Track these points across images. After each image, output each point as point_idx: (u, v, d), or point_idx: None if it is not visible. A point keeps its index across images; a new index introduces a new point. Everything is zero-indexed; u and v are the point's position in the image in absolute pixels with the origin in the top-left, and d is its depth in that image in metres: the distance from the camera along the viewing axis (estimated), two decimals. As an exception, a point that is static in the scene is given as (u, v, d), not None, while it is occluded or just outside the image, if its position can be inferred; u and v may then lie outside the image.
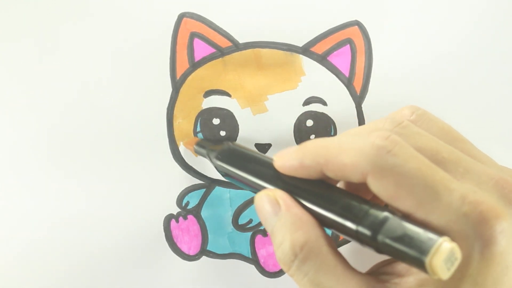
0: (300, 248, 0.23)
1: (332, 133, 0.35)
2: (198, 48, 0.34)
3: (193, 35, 0.34)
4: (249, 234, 0.36)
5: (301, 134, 0.35)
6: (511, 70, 0.35)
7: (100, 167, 0.35)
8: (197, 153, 0.34)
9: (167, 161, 0.35)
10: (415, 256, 0.20)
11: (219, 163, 0.30)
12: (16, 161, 0.35)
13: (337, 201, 0.23)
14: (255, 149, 0.34)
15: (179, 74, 0.34)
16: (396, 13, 0.34)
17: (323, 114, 0.35)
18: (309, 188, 0.25)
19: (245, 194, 0.35)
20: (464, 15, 0.34)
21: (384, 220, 0.21)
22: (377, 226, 0.21)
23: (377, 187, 0.22)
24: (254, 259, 0.36)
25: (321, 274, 0.22)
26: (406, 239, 0.20)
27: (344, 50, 0.34)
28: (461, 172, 0.22)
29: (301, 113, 0.34)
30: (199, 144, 0.33)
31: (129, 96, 0.34)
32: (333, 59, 0.34)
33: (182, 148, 0.34)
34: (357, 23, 0.34)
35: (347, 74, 0.34)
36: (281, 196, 0.25)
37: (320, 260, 0.23)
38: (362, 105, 0.35)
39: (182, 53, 0.34)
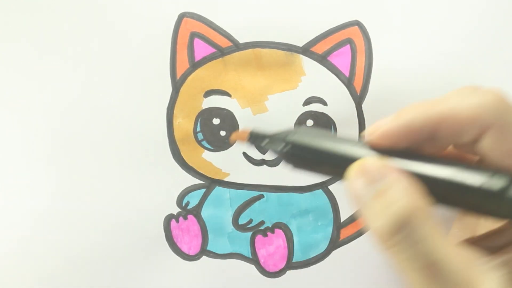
0: (411, 212, 0.20)
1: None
2: (198, 48, 0.34)
3: (193, 35, 0.34)
4: (249, 234, 0.36)
5: (301, 134, 0.35)
6: (511, 69, 0.35)
7: (100, 167, 0.35)
8: (255, 146, 0.27)
9: (167, 161, 0.35)
10: None
11: (296, 141, 0.24)
12: (16, 161, 0.35)
13: (451, 162, 0.21)
14: None
15: (179, 74, 0.34)
16: (396, 13, 0.34)
17: (323, 114, 0.35)
18: (414, 153, 0.22)
19: (245, 194, 0.35)
20: (464, 15, 0.34)
21: None
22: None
23: (495, 143, 0.20)
24: (254, 259, 0.36)
25: (434, 245, 0.20)
26: None
27: (344, 50, 0.34)
28: None
29: (301, 113, 0.34)
30: (253, 135, 0.26)
31: (129, 96, 0.34)
32: (333, 59, 0.34)
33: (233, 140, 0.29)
34: (357, 23, 0.34)
35: (347, 74, 0.34)
36: (385, 161, 0.22)
37: (433, 229, 0.20)
38: (362, 105, 0.35)
39: (182, 53, 0.34)
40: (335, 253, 0.36)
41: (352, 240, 0.36)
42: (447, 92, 0.34)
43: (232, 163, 0.35)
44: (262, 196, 0.35)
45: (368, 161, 0.22)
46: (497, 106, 0.20)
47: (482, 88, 0.21)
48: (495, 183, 0.19)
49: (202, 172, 0.35)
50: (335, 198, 0.35)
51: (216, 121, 0.35)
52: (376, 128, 0.23)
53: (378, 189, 0.21)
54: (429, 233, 0.20)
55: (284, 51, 0.34)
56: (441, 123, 0.21)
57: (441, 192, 0.21)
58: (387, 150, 0.22)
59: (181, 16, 0.34)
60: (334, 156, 0.23)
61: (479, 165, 0.21)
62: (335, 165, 0.23)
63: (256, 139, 0.26)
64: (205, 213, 0.36)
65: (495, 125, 0.20)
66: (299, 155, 0.24)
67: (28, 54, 0.34)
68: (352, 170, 0.22)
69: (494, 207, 0.20)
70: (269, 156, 0.35)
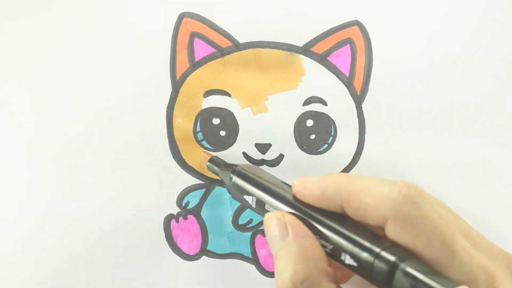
0: (300, 282, 0.22)
1: (332, 133, 0.35)
2: (198, 48, 0.34)
3: (193, 35, 0.34)
4: (249, 234, 0.36)
5: (301, 134, 0.35)
6: (511, 69, 0.35)
7: (100, 167, 0.35)
8: (209, 169, 0.33)
9: (167, 161, 0.35)
10: None
11: (235, 178, 0.30)
12: (16, 161, 0.35)
13: (354, 232, 0.23)
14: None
15: (179, 74, 0.34)
16: (396, 13, 0.34)
17: (323, 114, 0.35)
18: (325, 217, 0.24)
19: (245, 194, 0.36)
20: (464, 15, 0.34)
21: (405, 257, 0.21)
22: (397, 260, 0.21)
23: (395, 234, 0.22)
24: (254, 259, 0.36)
25: None
26: (428, 275, 0.20)
27: (344, 50, 0.34)
28: (471, 243, 0.23)
29: (301, 113, 0.34)
30: (212, 160, 0.33)
31: (129, 96, 0.34)
32: (333, 59, 0.34)
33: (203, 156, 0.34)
34: (357, 23, 0.34)
35: (347, 74, 0.34)
36: (291, 222, 0.24)
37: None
38: (362, 105, 0.35)
39: (182, 53, 0.34)
40: (335, 253, 0.36)
41: (352, 240, 0.36)
42: (447, 91, 0.34)
43: (232, 163, 0.35)
44: (262, 196, 0.35)
45: (280, 214, 0.25)
46: (397, 200, 0.22)
47: (395, 181, 0.23)
48: (384, 263, 0.21)
49: (202, 172, 0.35)
50: (335, 198, 0.35)
51: (216, 121, 0.35)
52: (302, 181, 0.25)
53: (284, 244, 0.24)
54: None
55: (284, 51, 0.34)
56: (349, 202, 0.23)
57: (335, 253, 0.23)
58: (307, 207, 0.25)
59: (181, 16, 0.34)
60: (260, 200, 0.27)
61: (381, 239, 0.22)
62: (261, 204, 0.27)
63: (213, 163, 0.33)
64: (205, 213, 0.36)
65: (393, 218, 0.22)
66: (239, 185, 0.29)
67: (28, 54, 0.34)
68: (268, 218, 0.25)
69: (368, 277, 0.22)
70: (269, 156, 0.35)
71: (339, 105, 0.35)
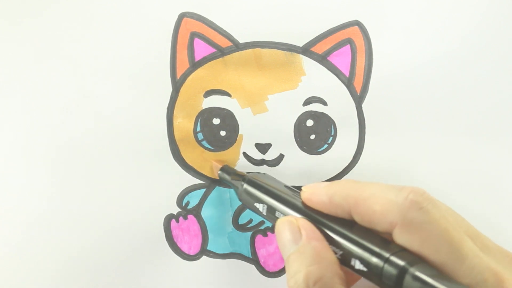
0: (313, 282, 0.23)
1: (332, 133, 0.35)
2: (199, 48, 0.34)
3: (193, 35, 0.34)
4: (249, 234, 0.36)
5: (301, 134, 0.35)
6: (511, 69, 0.35)
7: (100, 167, 0.35)
8: (220, 178, 0.34)
9: (167, 161, 0.35)
10: None
11: (246, 186, 0.30)
12: (16, 162, 0.35)
13: (363, 238, 0.23)
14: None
15: (179, 74, 0.34)
16: (396, 13, 0.34)
17: (323, 114, 0.35)
18: (334, 223, 0.25)
19: (245, 194, 0.36)
20: (464, 15, 0.34)
21: (414, 261, 0.21)
22: (406, 264, 0.21)
23: (402, 239, 0.22)
24: (254, 259, 0.36)
25: None
26: (437, 278, 0.20)
27: (344, 50, 0.34)
28: (479, 247, 0.23)
29: (301, 113, 0.34)
30: (224, 169, 0.34)
31: (129, 96, 0.34)
32: (333, 59, 0.34)
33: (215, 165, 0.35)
34: (357, 23, 0.34)
35: (347, 74, 0.34)
36: (304, 225, 0.25)
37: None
38: (362, 105, 0.35)
39: (183, 53, 0.34)
40: (335, 253, 0.36)
41: (352, 240, 0.36)
42: (447, 91, 0.34)
43: (232, 163, 0.35)
44: (262, 196, 0.35)
45: (293, 219, 0.25)
46: (404, 205, 0.22)
47: (402, 186, 0.23)
48: (394, 267, 0.21)
49: (202, 172, 0.35)
50: (335, 198, 0.35)
51: (216, 121, 0.35)
52: (310, 188, 0.26)
53: (297, 248, 0.24)
54: None
55: (284, 51, 0.34)
56: (356, 208, 0.23)
57: (345, 258, 0.24)
58: (317, 213, 0.25)
59: (181, 16, 0.34)
60: (271, 207, 0.28)
61: (389, 244, 0.23)
62: (272, 211, 0.28)
63: (225, 172, 0.33)
64: (205, 213, 0.36)
65: (400, 224, 0.22)
66: (250, 193, 0.30)
67: (28, 55, 0.34)
68: (281, 223, 0.26)
69: (377, 282, 0.22)
70: (269, 156, 0.35)
71: (339, 105, 0.35)
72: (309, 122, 0.35)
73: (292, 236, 0.25)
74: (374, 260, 0.22)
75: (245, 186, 0.30)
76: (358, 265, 0.23)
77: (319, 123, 0.35)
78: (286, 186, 0.29)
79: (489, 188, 0.35)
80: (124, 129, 0.34)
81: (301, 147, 0.35)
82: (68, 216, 0.35)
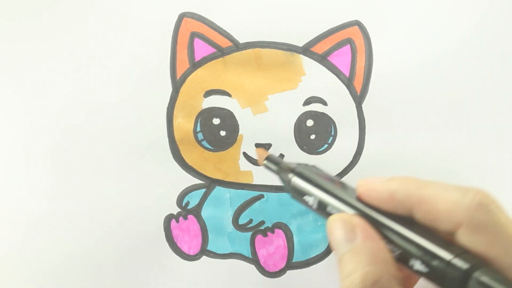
0: (371, 284, 0.22)
1: (333, 133, 0.35)
2: (199, 48, 0.34)
3: (193, 35, 0.34)
4: (249, 234, 0.36)
5: (301, 134, 0.35)
6: (511, 69, 0.35)
7: (100, 167, 0.35)
8: (265, 167, 0.31)
9: (167, 161, 0.35)
10: None
11: (295, 179, 0.28)
12: (15, 161, 0.35)
13: (424, 237, 0.22)
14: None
15: (179, 74, 0.34)
16: (396, 13, 0.34)
17: (323, 114, 0.35)
18: (392, 220, 0.24)
19: (245, 194, 0.35)
20: (464, 15, 0.34)
21: (479, 264, 0.21)
22: (471, 268, 0.21)
23: (468, 240, 0.22)
24: (254, 259, 0.36)
25: None
26: (504, 283, 0.20)
27: (345, 50, 0.34)
28: None
29: (301, 113, 0.34)
30: (270, 159, 0.31)
31: (129, 96, 0.34)
32: (333, 59, 0.34)
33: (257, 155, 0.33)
34: (357, 23, 0.34)
35: (347, 74, 0.34)
36: (359, 224, 0.24)
37: None
38: (363, 105, 0.35)
39: (183, 53, 0.34)
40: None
41: (352, 240, 0.36)
42: (447, 91, 0.34)
43: (232, 163, 0.35)
44: (262, 196, 0.35)
45: (347, 217, 0.24)
46: (471, 206, 0.22)
47: (467, 187, 0.22)
48: (462, 262, 0.21)
49: (202, 172, 0.35)
50: (335, 198, 0.35)
51: (216, 121, 0.35)
52: (367, 182, 0.25)
53: (352, 247, 0.23)
54: None
55: (284, 51, 0.34)
56: (419, 206, 0.23)
57: (403, 257, 0.23)
58: (373, 207, 0.24)
59: (181, 16, 0.34)
60: (322, 201, 0.26)
61: (451, 245, 0.22)
62: (323, 206, 0.26)
63: (271, 162, 0.30)
64: (205, 213, 0.36)
65: (466, 225, 0.22)
66: (299, 186, 0.27)
67: (28, 54, 0.34)
68: (334, 220, 0.25)
69: (439, 284, 0.22)
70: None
71: (339, 105, 0.35)
72: (309, 122, 0.35)
73: (346, 235, 0.24)
74: (436, 262, 0.21)
75: (294, 178, 0.28)
76: (418, 265, 0.22)
77: (319, 123, 0.35)
78: (337, 180, 0.28)
79: (489, 188, 0.35)
80: (124, 129, 0.34)
81: (301, 147, 0.35)
82: (68, 216, 0.35)
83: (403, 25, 0.34)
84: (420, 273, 0.22)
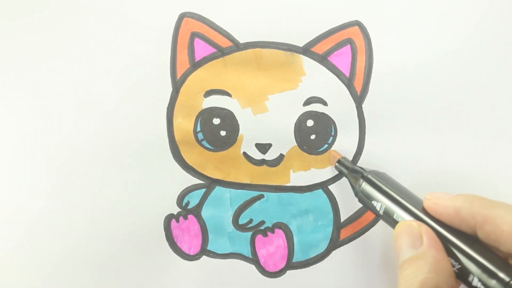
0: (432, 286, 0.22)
1: (333, 133, 0.35)
2: (199, 48, 0.34)
3: (193, 35, 0.34)
4: (249, 234, 0.36)
5: (301, 134, 0.35)
6: (511, 69, 0.35)
7: (100, 167, 0.35)
8: (336, 169, 0.34)
9: (167, 161, 0.35)
10: None
11: (364, 185, 0.30)
12: (17, 161, 0.35)
13: (485, 257, 0.23)
14: None
15: (179, 73, 0.34)
16: (396, 13, 0.34)
17: (323, 114, 0.35)
18: (456, 236, 0.24)
19: (245, 194, 0.36)
20: (464, 15, 0.34)
21: None
22: None
23: None
24: (254, 259, 0.36)
25: None
26: None
27: (345, 50, 0.34)
28: None
29: (301, 113, 0.34)
30: (341, 162, 0.33)
31: (129, 96, 0.34)
32: (333, 59, 0.34)
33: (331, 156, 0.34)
34: (357, 23, 0.34)
35: (347, 74, 0.34)
36: (427, 232, 0.25)
37: None
38: (363, 105, 0.35)
39: (183, 53, 0.34)
40: (335, 253, 0.36)
41: (352, 240, 0.36)
42: (447, 91, 0.34)
43: (232, 163, 0.35)
44: (262, 196, 0.35)
45: (416, 224, 0.25)
46: None
47: None
48: (499, 286, 0.22)
49: (202, 172, 0.35)
50: (335, 198, 0.35)
51: (216, 121, 0.35)
52: (433, 197, 0.26)
53: (416, 253, 0.24)
54: None
55: (285, 51, 0.34)
56: (483, 225, 0.23)
57: (462, 273, 0.24)
58: (438, 221, 0.25)
59: (182, 16, 0.34)
60: (390, 209, 0.28)
61: (510, 267, 0.23)
62: (390, 213, 0.28)
63: (342, 165, 0.33)
64: (205, 213, 0.36)
65: None
66: (368, 192, 0.29)
67: (27, 55, 0.34)
68: (402, 227, 0.26)
69: None
70: (269, 156, 0.35)
71: (339, 105, 0.35)
72: (309, 122, 0.35)
73: (412, 241, 0.25)
74: (494, 282, 0.22)
75: (364, 184, 0.30)
76: (476, 282, 0.23)
77: (319, 123, 0.35)
78: (405, 189, 0.29)
79: (489, 188, 0.35)
80: (124, 129, 0.34)
81: (301, 147, 0.35)
82: (68, 216, 0.35)
83: (403, 25, 0.34)
84: None
